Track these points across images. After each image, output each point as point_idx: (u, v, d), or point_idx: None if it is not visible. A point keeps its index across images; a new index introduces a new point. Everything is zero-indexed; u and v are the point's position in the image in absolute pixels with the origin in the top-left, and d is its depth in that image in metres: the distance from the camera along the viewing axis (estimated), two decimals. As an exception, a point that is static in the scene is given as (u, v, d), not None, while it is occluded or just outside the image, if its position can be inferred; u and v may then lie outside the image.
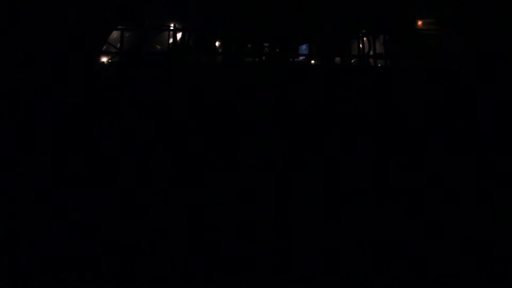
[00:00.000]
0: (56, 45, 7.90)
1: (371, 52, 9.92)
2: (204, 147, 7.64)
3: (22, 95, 7.42)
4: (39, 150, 7.19)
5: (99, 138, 7.51)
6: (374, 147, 7.69)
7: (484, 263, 6.18)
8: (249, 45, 10.30)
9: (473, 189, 7.11)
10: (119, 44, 10.11)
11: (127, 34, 10.62)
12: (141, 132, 7.70)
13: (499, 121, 7.65)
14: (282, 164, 7.53)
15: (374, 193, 7.16)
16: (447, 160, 7.43)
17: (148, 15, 10.78)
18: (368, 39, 10.07)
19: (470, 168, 7.34)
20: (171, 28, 10.89)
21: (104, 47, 9.82)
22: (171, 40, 10.77)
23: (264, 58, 10.27)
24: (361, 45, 10.24)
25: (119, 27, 9.92)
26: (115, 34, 10.41)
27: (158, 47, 11.84)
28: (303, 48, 11.68)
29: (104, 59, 9.95)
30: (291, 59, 10.50)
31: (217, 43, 11.10)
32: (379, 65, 9.91)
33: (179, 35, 10.75)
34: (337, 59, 10.51)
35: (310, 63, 11.39)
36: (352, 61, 11.02)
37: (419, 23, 10.41)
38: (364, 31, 10.27)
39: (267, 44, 10.62)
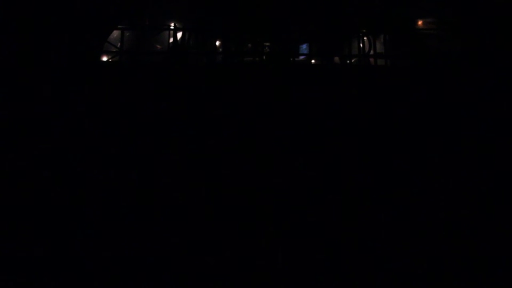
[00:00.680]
0: (56, 44, 7.92)
1: (371, 52, 9.91)
2: (204, 147, 7.64)
3: (22, 95, 7.45)
4: (38, 147, 7.21)
5: (99, 138, 7.51)
6: (375, 146, 7.69)
7: (483, 263, 6.21)
8: (249, 45, 10.29)
9: (473, 189, 7.13)
10: (119, 44, 10.11)
11: (127, 34, 10.63)
12: (140, 131, 7.70)
13: (499, 121, 7.64)
14: (282, 164, 7.53)
15: (373, 193, 7.17)
16: (447, 160, 7.44)
17: (148, 15, 10.79)
18: (368, 38, 10.06)
19: (471, 168, 7.35)
20: (171, 27, 10.90)
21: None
22: (171, 40, 10.77)
23: (264, 57, 10.25)
24: (361, 45, 10.23)
25: (119, 26, 9.93)
26: (115, 33, 10.42)
27: (159, 46, 11.85)
28: (304, 48, 11.68)
29: (104, 58, 9.97)
30: (291, 59, 10.48)
31: (217, 43, 11.09)
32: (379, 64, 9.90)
33: (179, 35, 10.75)
34: (336, 59, 10.48)
35: (311, 62, 11.38)
36: (353, 60, 11.00)
37: (419, 22, 10.41)
38: (364, 30, 10.25)
39: (267, 44, 10.61)
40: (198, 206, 6.95)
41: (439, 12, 9.70)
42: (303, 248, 6.52)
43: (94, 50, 8.92)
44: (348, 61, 10.79)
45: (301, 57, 11.75)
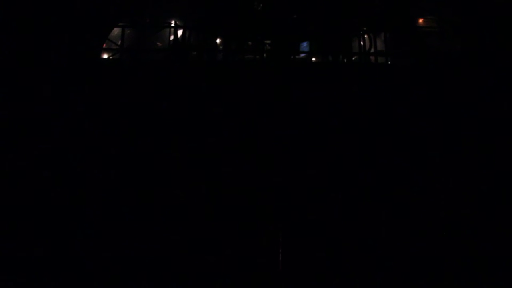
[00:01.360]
0: (56, 44, 7.92)
1: (372, 50, 9.89)
2: (204, 145, 7.64)
3: (22, 95, 7.46)
4: (38, 147, 7.22)
5: (99, 138, 7.52)
6: (375, 145, 7.67)
7: (484, 263, 6.21)
8: (249, 43, 10.27)
9: (473, 189, 7.12)
10: (119, 41, 10.11)
11: (128, 31, 10.62)
12: (140, 130, 7.70)
13: (499, 121, 7.62)
14: (282, 163, 7.52)
15: (374, 192, 7.17)
16: (448, 159, 7.42)
17: (148, 12, 10.77)
18: (369, 36, 10.04)
19: (471, 167, 7.33)
20: (172, 25, 10.88)
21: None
22: (171, 37, 10.76)
23: (265, 55, 10.23)
24: (362, 43, 10.20)
25: (120, 24, 9.92)
26: (116, 31, 10.42)
27: (159, 44, 11.85)
28: (304, 46, 11.64)
29: (105, 56, 9.98)
30: (292, 57, 10.45)
31: (217, 40, 11.08)
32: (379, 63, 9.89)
33: (180, 33, 10.73)
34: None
35: (311, 60, 11.34)
36: (353, 58, 10.96)
37: (420, 20, 10.37)
38: (365, 28, 10.22)
39: (268, 42, 10.58)
40: (198, 205, 6.96)
41: (439, 11, 9.67)
42: (304, 247, 6.52)
43: (94, 49, 8.92)
44: (345, 60, 10.74)
45: (302, 55, 11.72)
